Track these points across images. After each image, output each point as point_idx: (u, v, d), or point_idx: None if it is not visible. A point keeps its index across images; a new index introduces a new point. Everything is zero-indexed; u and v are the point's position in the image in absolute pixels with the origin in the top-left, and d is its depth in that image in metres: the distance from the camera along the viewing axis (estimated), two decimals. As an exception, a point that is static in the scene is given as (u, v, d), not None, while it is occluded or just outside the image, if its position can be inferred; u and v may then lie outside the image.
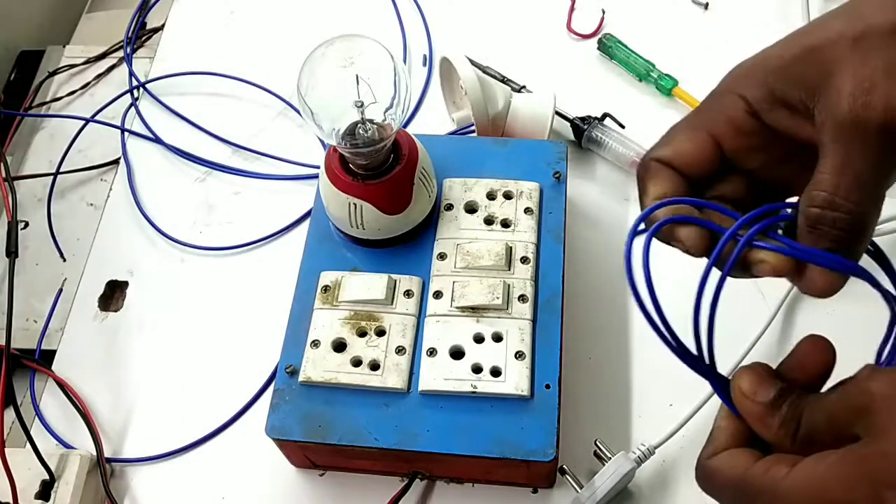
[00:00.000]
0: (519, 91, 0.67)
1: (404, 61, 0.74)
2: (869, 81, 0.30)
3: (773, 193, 0.37)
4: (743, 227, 0.33)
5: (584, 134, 0.65)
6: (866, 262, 0.33)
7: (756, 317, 0.55)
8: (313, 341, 0.51)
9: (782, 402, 0.32)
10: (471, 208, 0.56)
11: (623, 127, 0.65)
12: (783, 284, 0.57)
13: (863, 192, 0.31)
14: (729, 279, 0.33)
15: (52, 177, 0.70)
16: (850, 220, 0.31)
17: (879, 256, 0.34)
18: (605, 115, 0.65)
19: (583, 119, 0.65)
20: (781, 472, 0.30)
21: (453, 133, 0.68)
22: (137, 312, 0.63)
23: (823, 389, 0.33)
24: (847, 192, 0.31)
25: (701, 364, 0.34)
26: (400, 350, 0.50)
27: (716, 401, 0.52)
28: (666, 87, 0.68)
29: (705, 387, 0.52)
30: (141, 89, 0.75)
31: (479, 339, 0.50)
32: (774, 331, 0.56)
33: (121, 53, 0.78)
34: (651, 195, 0.36)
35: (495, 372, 0.49)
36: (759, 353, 0.55)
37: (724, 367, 0.52)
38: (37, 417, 0.58)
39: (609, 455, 0.50)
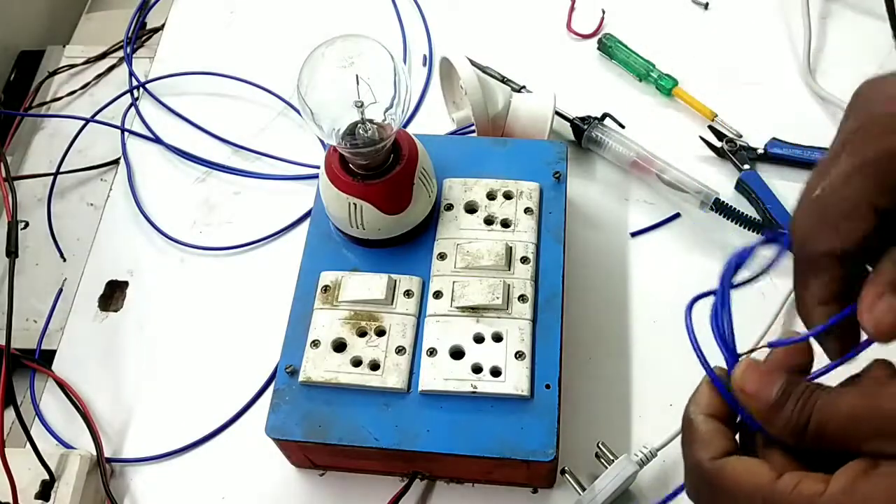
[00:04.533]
0: (519, 91, 0.67)
1: (404, 61, 0.74)
2: None
3: None
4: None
5: (584, 134, 0.65)
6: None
7: (757, 317, 0.55)
8: (313, 341, 0.51)
9: (787, 397, 0.30)
10: (471, 208, 0.56)
11: (623, 127, 0.65)
12: (784, 285, 0.57)
13: None
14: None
15: (52, 177, 0.70)
16: None
17: None
18: (605, 115, 0.65)
19: (583, 119, 0.65)
20: (816, 489, 0.28)
21: (453, 133, 0.68)
22: (137, 312, 0.63)
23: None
24: None
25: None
26: (400, 350, 0.50)
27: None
28: (666, 87, 0.68)
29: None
30: (141, 89, 0.75)
31: (479, 339, 0.50)
32: (775, 332, 0.56)
33: (121, 53, 0.78)
34: (815, 297, 0.32)
35: (495, 372, 0.49)
36: (760, 354, 0.55)
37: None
38: (37, 417, 0.58)
39: (611, 457, 0.50)
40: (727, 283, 0.33)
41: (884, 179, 0.29)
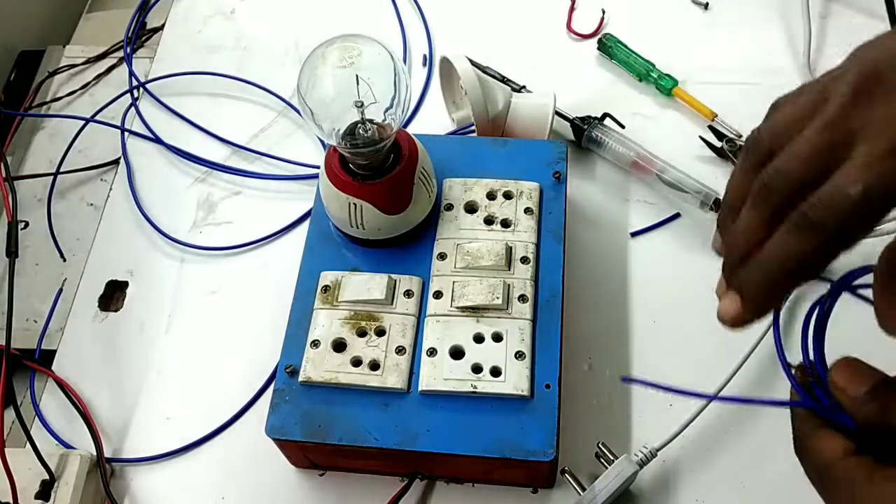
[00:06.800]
0: (519, 91, 0.67)
1: (404, 61, 0.74)
2: None
3: None
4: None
5: (584, 134, 0.65)
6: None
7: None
8: (313, 341, 0.51)
9: (873, 397, 0.31)
10: (471, 208, 0.56)
11: (623, 127, 0.65)
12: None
13: None
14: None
15: (52, 177, 0.70)
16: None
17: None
18: (605, 115, 0.65)
19: (583, 119, 0.65)
20: (867, 475, 0.30)
21: (453, 133, 0.68)
22: (137, 312, 0.63)
23: None
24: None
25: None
26: (400, 350, 0.50)
27: (716, 403, 0.52)
28: (666, 87, 0.68)
29: (705, 388, 0.52)
30: (141, 89, 0.75)
31: (479, 339, 0.50)
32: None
33: (121, 53, 0.78)
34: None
35: (495, 372, 0.49)
36: (761, 355, 0.55)
37: (725, 370, 0.53)
38: (37, 417, 0.58)
39: (611, 457, 0.50)
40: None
41: None
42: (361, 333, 0.51)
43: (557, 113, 0.65)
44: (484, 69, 0.68)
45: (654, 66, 0.69)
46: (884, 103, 0.30)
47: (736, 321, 0.34)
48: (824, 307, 0.34)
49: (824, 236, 0.31)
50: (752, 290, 0.33)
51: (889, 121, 0.30)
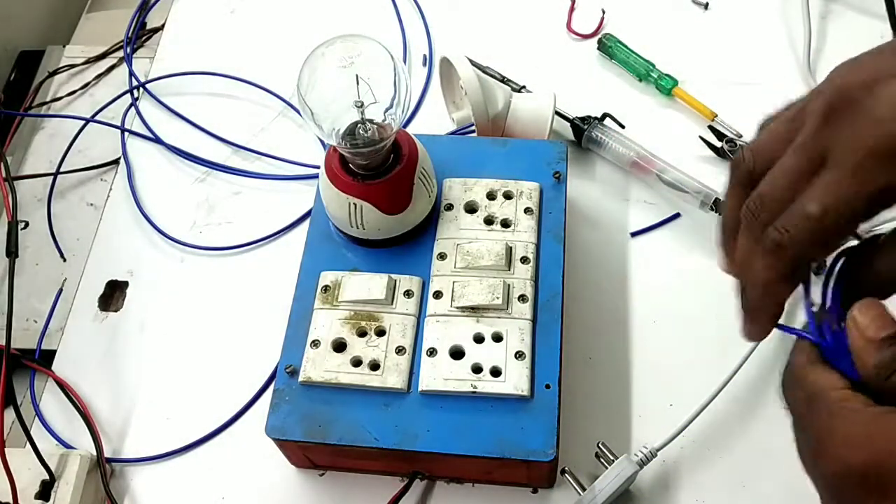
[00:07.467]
0: (519, 91, 0.67)
1: (404, 61, 0.74)
2: None
3: None
4: None
5: (584, 134, 0.65)
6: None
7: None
8: (313, 341, 0.51)
9: (888, 344, 0.31)
10: (471, 208, 0.56)
11: (623, 127, 0.65)
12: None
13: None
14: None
15: (52, 177, 0.70)
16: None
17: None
18: (605, 115, 0.65)
19: (583, 119, 0.65)
20: (853, 404, 0.31)
21: (453, 133, 0.68)
22: (137, 312, 0.63)
23: None
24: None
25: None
26: (400, 350, 0.50)
27: (716, 403, 0.52)
28: (666, 87, 0.68)
29: (705, 387, 0.52)
30: (141, 89, 0.75)
31: (479, 339, 0.50)
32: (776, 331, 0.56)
33: (121, 53, 0.78)
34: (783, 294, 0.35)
35: (495, 372, 0.49)
36: (761, 354, 0.55)
37: (725, 370, 0.53)
38: (37, 417, 0.58)
39: (612, 457, 0.50)
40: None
41: (881, 205, 0.31)
42: (361, 333, 0.51)
43: (557, 113, 0.65)
44: (484, 69, 0.68)
45: (654, 66, 0.69)
46: (850, 123, 0.31)
47: (753, 338, 0.37)
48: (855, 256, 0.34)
49: (789, 255, 0.32)
50: (752, 312, 0.36)
51: (854, 141, 0.31)
